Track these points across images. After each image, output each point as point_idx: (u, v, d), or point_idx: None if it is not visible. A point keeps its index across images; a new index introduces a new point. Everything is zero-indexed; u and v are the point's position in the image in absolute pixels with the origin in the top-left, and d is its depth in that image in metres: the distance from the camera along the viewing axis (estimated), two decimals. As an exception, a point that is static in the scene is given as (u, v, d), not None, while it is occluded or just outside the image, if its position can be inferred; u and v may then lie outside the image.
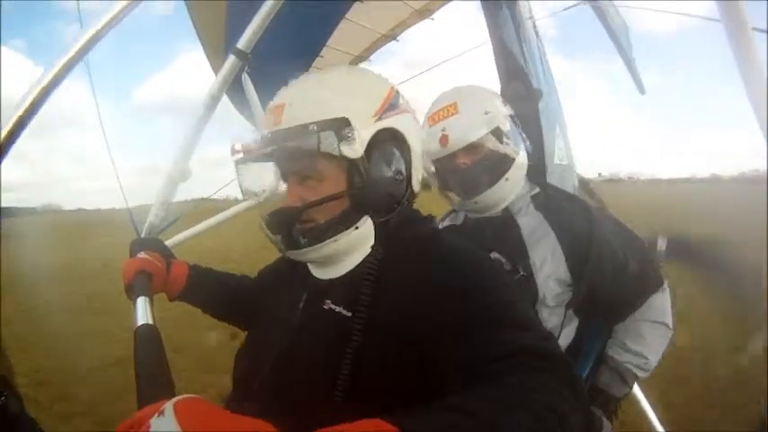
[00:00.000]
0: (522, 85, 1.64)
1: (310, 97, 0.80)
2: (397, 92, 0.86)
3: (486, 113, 1.26)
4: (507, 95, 1.53)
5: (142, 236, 1.34)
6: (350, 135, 0.75)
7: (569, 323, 1.25)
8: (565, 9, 2.26)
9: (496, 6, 1.70)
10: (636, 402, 1.90)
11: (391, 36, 2.83)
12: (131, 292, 1.03)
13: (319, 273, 0.87)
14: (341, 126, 0.75)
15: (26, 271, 7.52)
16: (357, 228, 0.80)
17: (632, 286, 1.27)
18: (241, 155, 0.83)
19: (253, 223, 0.90)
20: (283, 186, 0.87)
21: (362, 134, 0.77)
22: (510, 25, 1.69)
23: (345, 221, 0.79)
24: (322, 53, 2.70)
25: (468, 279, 0.73)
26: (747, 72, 0.78)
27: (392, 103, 0.83)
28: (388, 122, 0.81)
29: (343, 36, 2.61)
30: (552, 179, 1.58)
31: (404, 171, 0.83)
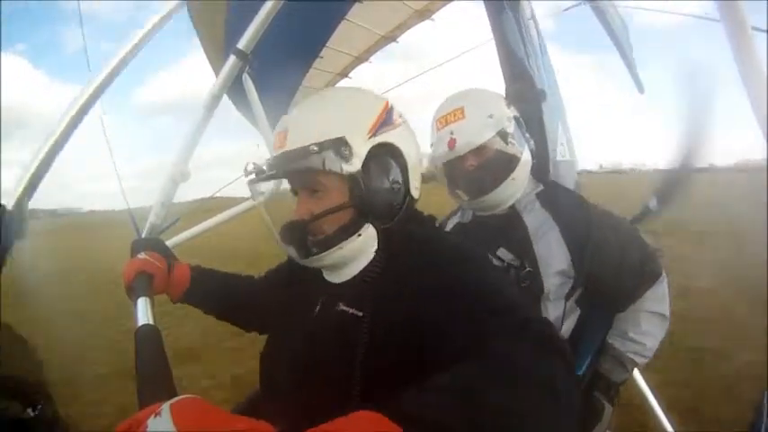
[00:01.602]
0: (525, 85, 1.67)
1: (309, 121, 0.89)
2: (391, 107, 0.93)
3: (491, 117, 1.32)
4: (511, 96, 1.56)
5: (143, 236, 1.34)
6: (347, 152, 0.84)
7: (571, 314, 1.32)
8: (565, 9, 2.26)
9: (499, 7, 1.71)
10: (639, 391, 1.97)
11: (391, 37, 2.83)
12: (132, 292, 1.03)
13: (331, 277, 0.95)
14: (338, 145, 0.84)
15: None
16: (359, 235, 0.87)
17: (631, 279, 1.34)
18: (254, 176, 0.92)
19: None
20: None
21: (359, 150, 0.85)
22: (513, 26, 1.71)
23: (349, 230, 0.87)
24: (322, 54, 2.70)
25: (462, 273, 0.79)
26: (747, 72, 0.78)
27: (385, 120, 0.90)
28: (382, 137, 0.88)
29: (343, 37, 2.61)
30: (555, 175, 1.62)
31: (401, 180, 0.90)
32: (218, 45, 2.22)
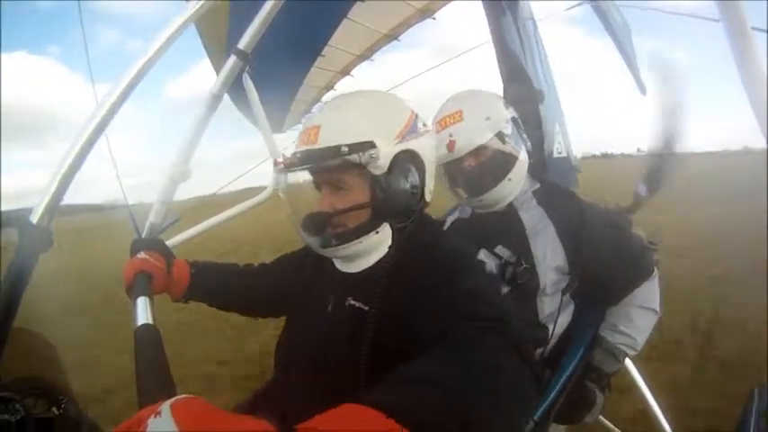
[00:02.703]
0: (523, 86, 1.69)
1: (341, 121, 0.94)
2: (417, 116, 0.99)
3: (489, 119, 1.36)
4: (509, 97, 1.58)
5: (143, 236, 1.34)
6: (375, 155, 0.89)
7: (565, 308, 1.38)
8: (566, 9, 2.26)
9: (498, 7, 1.71)
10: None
11: (393, 35, 2.83)
12: (131, 291, 1.03)
13: (344, 267, 1.03)
14: (367, 148, 0.89)
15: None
16: (377, 232, 0.95)
17: (624, 274, 1.39)
18: (282, 167, 0.98)
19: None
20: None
21: (385, 155, 0.91)
22: (511, 26, 1.72)
23: (368, 227, 0.94)
24: (323, 52, 2.70)
25: (455, 273, 0.86)
26: (747, 72, 0.78)
27: (411, 128, 0.96)
28: (407, 144, 0.94)
29: (345, 35, 2.61)
30: (553, 173, 1.65)
31: (418, 185, 0.96)
32: (220, 44, 2.23)
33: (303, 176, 1.01)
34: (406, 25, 2.73)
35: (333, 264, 1.05)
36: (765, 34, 0.86)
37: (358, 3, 2.30)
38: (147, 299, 0.99)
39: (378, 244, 0.96)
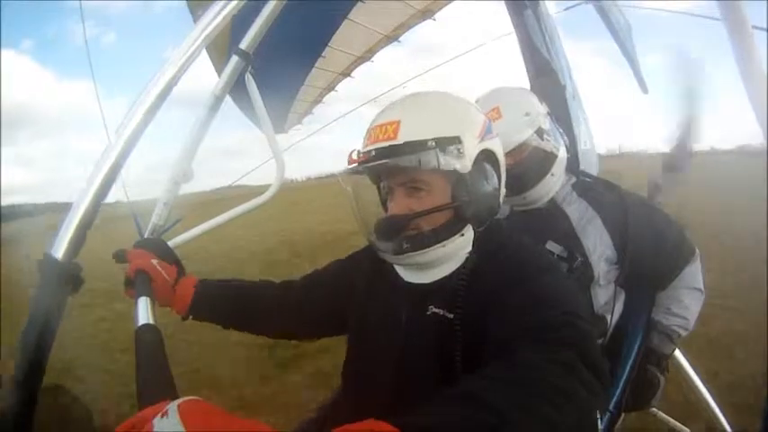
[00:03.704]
0: (549, 80, 1.71)
1: (423, 115, 0.89)
2: (490, 120, 0.96)
3: (527, 115, 1.34)
4: (536, 91, 1.57)
5: (145, 236, 1.33)
6: (462, 152, 0.85)
7: (619, 297, 1.39)
8: (566, 9, 2.26)
9: (520, 5, 1.73)
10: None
11: (393, 36, 2.83)
12: (130, 287, 1.04)
13: (415, 277, 0.95)
14: (455, 143, 0.85)
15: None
16: (463, 235, 0.89)
17: (670, 259, 1.41)
18: (356, 165, 0.91)
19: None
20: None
21: (470, 152, 0.87)
22: (534, 22, 1.74)
23: (452, 229, 0.88)
24: (324, 53, 2.70)
25: (529, 273, 0.83)
26: (747, 72, 0.78)
27: (488, 129, 0.93)
28: (487, 144, 0.91)
29: (345, 36, 2.61)
30: (581, 164, 1.66)
31: (497, 187, 0.93)
32: (222, 45, 2.23)
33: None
34: (406, 26, 2.74)
35: (397, 277, 0.98)
36: (765, 33, 0.86)
37: (358, 3, 2.30)
38: (148, 299, 0.99)
39: (461, 248, 0.90)
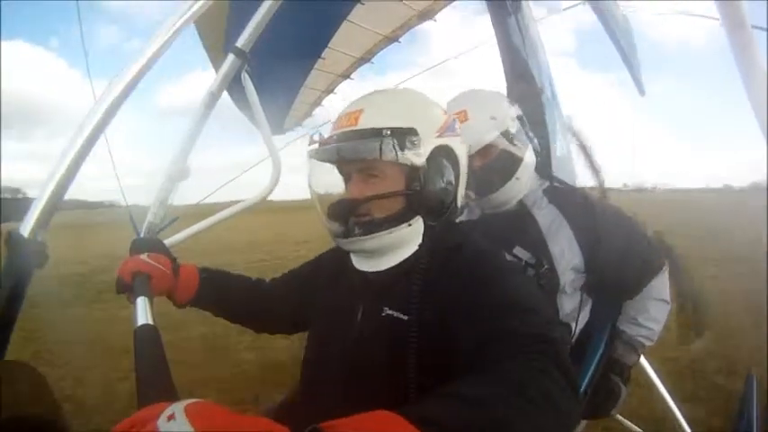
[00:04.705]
0: (527, 85, 1.71)
1: (384, 107, 0.94)
2: (454, 119, 0.99)
3: (494, 118, 1.35)
4: (514, 95, 1.59)
5: (141, 235, 1.32)
6: (416, 143, 0.88)
7: (585, 305, 1.40)
8: (565, 9, 2.26)
9: (502, 7, 1.72)
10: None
11: (393, 37, 2.83)
12: (129, 290, 1.02)
13: (365, 265, 0.98)
14: (410, 135, 0.88)
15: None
16: (410, 225, 0.92)
17: (638, 270, 1.42)
18: (317, 145, 0.95)
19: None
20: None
21: (426, 145, 0.90)
22: (515, 26, 1.73)
23: (401, 218, 0.91)
24: (323, 54, 2.70)
25: (490, 276, 0.85)
26: (747, 72, 0.77)
27: (450, 127, 0.96)
28: (445, 140, 0.93)
29: (345, 38, 2.61)
30: (555, 170, 1.68)
31: (453, 183, 0.95)
32: (219, 43, 2.22)
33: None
34: (406, 27, 2.73)
35: (354, 269, 1.01)
36: (765, 33, 0.86)
37: (358, 5, 2.30)
38: (147, 299, 0.98)
39: (408, 238, 0.93)
